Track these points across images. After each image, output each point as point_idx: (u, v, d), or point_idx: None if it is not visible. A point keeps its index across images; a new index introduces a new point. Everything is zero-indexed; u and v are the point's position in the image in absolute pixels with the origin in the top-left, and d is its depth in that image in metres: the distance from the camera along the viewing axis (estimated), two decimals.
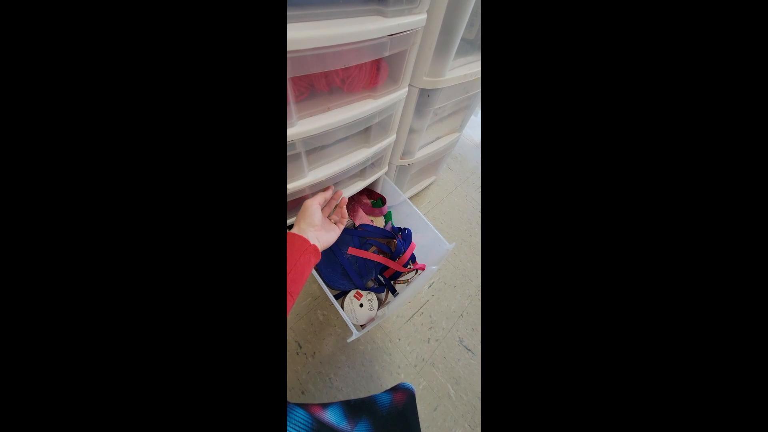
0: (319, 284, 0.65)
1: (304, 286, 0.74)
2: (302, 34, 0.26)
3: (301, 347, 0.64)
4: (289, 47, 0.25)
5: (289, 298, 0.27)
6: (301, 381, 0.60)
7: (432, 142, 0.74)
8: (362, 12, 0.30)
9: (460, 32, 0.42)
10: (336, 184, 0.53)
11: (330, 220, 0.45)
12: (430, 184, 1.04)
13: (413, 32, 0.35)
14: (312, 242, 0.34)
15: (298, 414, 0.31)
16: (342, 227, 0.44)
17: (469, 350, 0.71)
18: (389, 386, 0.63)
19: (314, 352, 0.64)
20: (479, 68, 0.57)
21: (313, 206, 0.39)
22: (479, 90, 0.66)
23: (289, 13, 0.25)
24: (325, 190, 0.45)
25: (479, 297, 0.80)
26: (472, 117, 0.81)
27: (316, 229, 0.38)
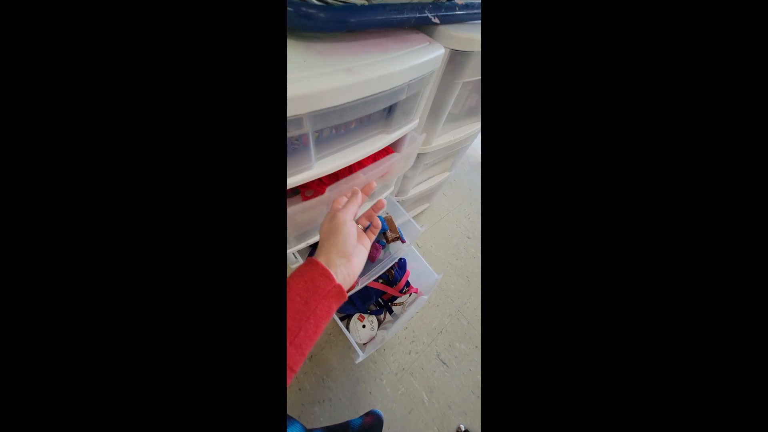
0: None
1: None
2: (326, 167, 0.37)
3: None
4: (313, 174, 0.36)
5: (289, 372, 0.21)
6: (298, 379, 0.71)
7: (425, 181, 0.86)
8: (371, 136, 0.42)
9: (444, 117, 0.54)
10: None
11: (358, 225, 0.33)
12: (423, 210, 1.15)
13: (409, 133, 0.47)
14: (338, 280, 0.26)
15: (293, 428, 0.35)
16: (373, 237, 0.33)
17: (445, 363, 0.82)
18: (372, 389, 0.74)
19: (311, 356, 0.75)
20: (465, 133, 0.70)
21: (348, 224, 0.28)
22: (469, 143, 0.78)
23: (317, 153, 0.36)
24: (353, 194, 0.31)
25: (458, 316, 0.91)
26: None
27: (348, 258, 0.28)
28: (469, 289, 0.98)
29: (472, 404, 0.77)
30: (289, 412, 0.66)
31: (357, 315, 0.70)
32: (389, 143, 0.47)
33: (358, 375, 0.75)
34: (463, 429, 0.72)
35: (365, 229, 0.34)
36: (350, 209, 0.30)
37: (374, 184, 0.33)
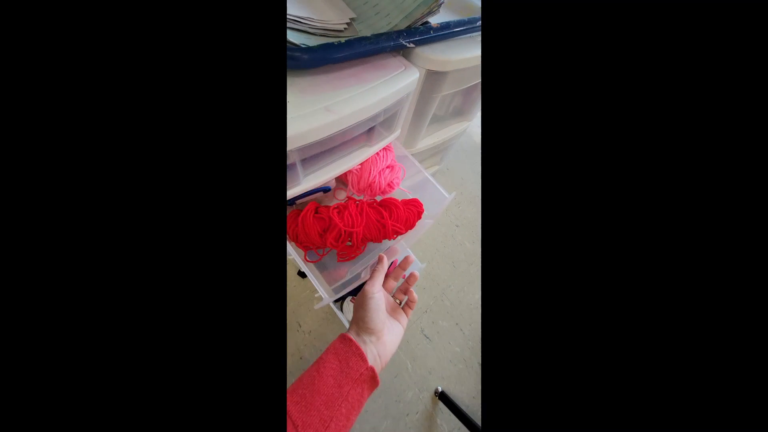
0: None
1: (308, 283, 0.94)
2: (313, 182, 0.42)
3: (300, 326, 0.87)
4: (301, 189, 0.41)
5: None
6: (299, 350, 0.83)
7: (412, 176, 0.90)
8: (354, 150, 0.46)
9: (425, 125, 0.58)
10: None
11: (394, 300, 0.31)
12: None
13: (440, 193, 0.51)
14: (370, 362, 0.24)
15: None
16: (410, 313, 0.31)
17: (428, 338, 0.94)
18: None
19: (310, 331, 0.87)
20: (452, 133, 0.73)
21: (376, 296, 0.27)
22: (457, 140, 0.81)
23: (303, 174, 0.40)
24: (379, 261, 0.30)
25: (443, 298, 1.01)
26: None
27: (378, 335, 0.26)
28: (454, 275, 1.07)
29: (450, 371, 0.90)
30: (290, 377, 0.79)
31: (350, 297, 0.80)
32: (371, 155, 0.51)
33: None
34: (440, 390, 0.85)
35: (401, 304, 0.31)
36: (376, 280, 0.29)
37: (412, 257, 0.33)
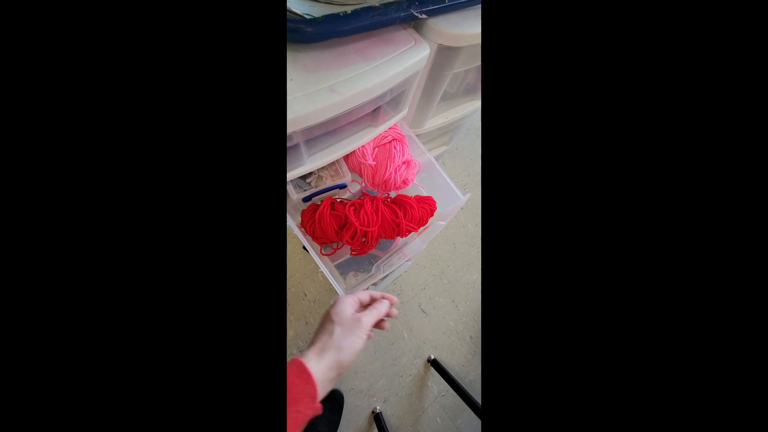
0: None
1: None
2: (317, 162, 0.42)
3: (306, 295, 0.93)
4: (306, 169, 0.41)
5: None
6: (305, 316, 0.91)
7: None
8: (359, 130, 0.45)
9: (435, 103, 0.55)
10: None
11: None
12: None
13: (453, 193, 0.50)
14: (315, 375, 0.22)
15: None
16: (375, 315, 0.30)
17: (424, 312, 0.99)
18: None
19: (315, 300, 0.93)
20: (462, 113, 0.70)
21: (345, 303, 0.28)
22: (468, 119, 0.78)
23: (307, 154, 0.40)
24: (382, 302, 0.31)
25: (441, 276, 1.05)
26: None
27: (335, 342, 0.25)
28: (454, 255, 1.10)
29: (442, 342, 0.97)
30: (297, 339, 0.87)
31: (352, 272, 0.85)
32: (377, 135, 0.50)
33: None
34: (432, 357, 0.93)
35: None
36: (352, 297, 0.29)
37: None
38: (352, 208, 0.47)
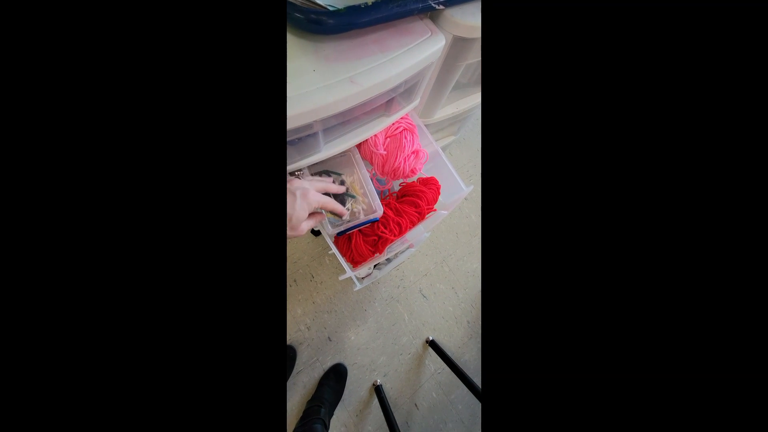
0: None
1: (312, 236, 1.02)
2: (332, 150, 0.44)
3: (313, 277, 0.98)
4: (320, 157, 0.43)
5: None
6: (312, 296, 0.96)
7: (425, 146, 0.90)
8: (373, 120, 0.46)
9: (446, 94, 0.56)
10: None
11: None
12: None
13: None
14: None
15: None
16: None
17: (425, 297, 1.04)
18: (367, 308, 0.99)
19: (322, 281, 0.98)
20: (473, 103, 0.70)
21: (305, 183, 0.35)
22: (478, 109, 0.78)
23: (324, 142, 0.42)
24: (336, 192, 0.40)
25: (443, 264, 1.09)
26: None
27: (288, 209, 0.32)
28: (456, 244, 1.13)
29: (441, 325, 1.03)
30: (304, 317, 0.92)
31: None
32: (389, 124, 0.52)
33: (357, 298, 0.99)
34: (430, 338, 0.99)
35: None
36: (319, 188, 0.38)
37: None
38: (382, 226, 0.50)
